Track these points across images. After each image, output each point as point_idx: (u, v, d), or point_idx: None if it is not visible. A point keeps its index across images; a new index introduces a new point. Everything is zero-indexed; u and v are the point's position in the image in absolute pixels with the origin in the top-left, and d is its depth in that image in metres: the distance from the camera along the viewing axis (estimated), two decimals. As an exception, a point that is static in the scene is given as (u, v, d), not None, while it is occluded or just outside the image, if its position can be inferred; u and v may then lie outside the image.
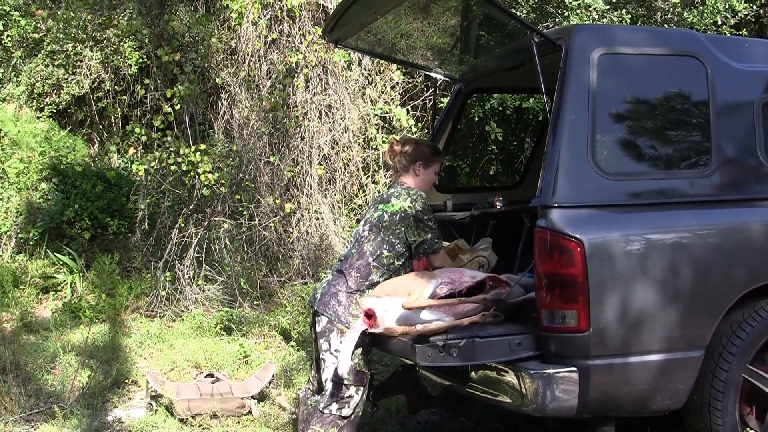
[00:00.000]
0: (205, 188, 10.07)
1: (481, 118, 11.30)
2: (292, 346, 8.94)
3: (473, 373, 5.28)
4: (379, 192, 11.37)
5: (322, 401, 5.37)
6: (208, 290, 10.31)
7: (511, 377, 4.98)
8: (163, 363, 8.50)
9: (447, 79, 7.25)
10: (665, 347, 5.04)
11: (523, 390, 4.89)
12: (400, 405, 6.93)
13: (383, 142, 11.34)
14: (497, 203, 6.58)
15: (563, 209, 4.93)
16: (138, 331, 9.71)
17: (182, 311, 10.10)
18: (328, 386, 5.37)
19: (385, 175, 11.33)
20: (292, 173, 10.63)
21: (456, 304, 5.07)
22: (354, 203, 11.40)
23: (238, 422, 7.09)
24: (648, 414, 5.24)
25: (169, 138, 10.17)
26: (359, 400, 5.38)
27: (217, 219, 10.43)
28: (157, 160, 10.15)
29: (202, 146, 9.99)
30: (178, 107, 10.08)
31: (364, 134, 11.24)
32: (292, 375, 8.07)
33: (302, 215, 10.71)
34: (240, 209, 10.67)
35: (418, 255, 5.59)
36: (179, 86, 9.93)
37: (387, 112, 11.38)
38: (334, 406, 5.33)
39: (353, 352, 5.22)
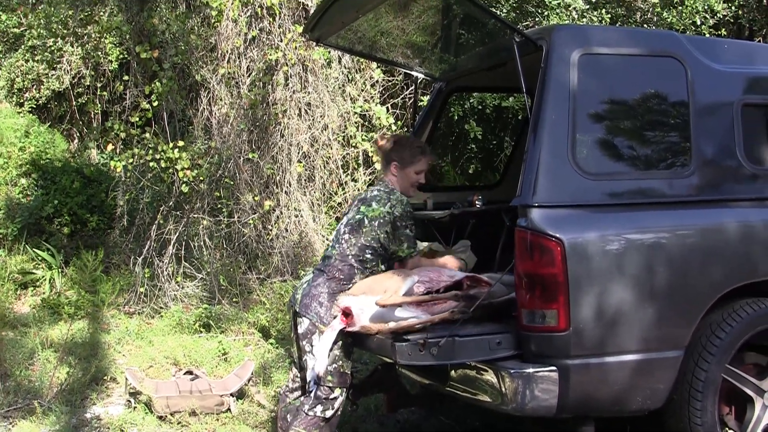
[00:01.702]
0: (183, 185, 10.03)
1: (461, 116, 11.32)
2: (271, 344, 8.91)
3: (453, 372, 5.29)
4: (359, 190, 11.39)
5: (307, 403, 5.36)
6: (187, 287, 10.27)
7: (490, 376, 5.00)
8: (141, 360, 8.47)
9: (427, 78, 7.25)
10: (644, 347, 5.06)
11: (503, 389, 4.90)
12: (379, 403, 6.94)
13: (363, 140, 11.34)
14: (476, 202, 6.59)
15: (543, 209, 4.95)
16: (117, 327, 9.66)
17: (161, 308, 10.06)
18: (312, 388, 5.35)
19: (365, 173, 11.34)
20: (272, 171, 10.61)
21: (429, 301, 5.08)
22: (333, 201, 11.40)
23: (217, 420, 7.08)
24: (627, 414, 5.26)
25: (147, 134, 10.14)
26: (342, 401, 5.41)
27: (196, 216, 10.39)
28: (135, 157, 10.09)
29: (181, 143, 9.96)
30: (156, 104, 10.03)
31: (344, 132, 11.22)
32: (271, 372, 8.06)
33: (281, 213, 10.68)
34: (219, 206, 10.65)
35: (391, 260, 5.63)
36: (158, 83, 9.88)
37: (367, 110, 11.37)
38: (319, 408, 5.33)
39: (331, 351, 5.23)
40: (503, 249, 6.25)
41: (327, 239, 11.12)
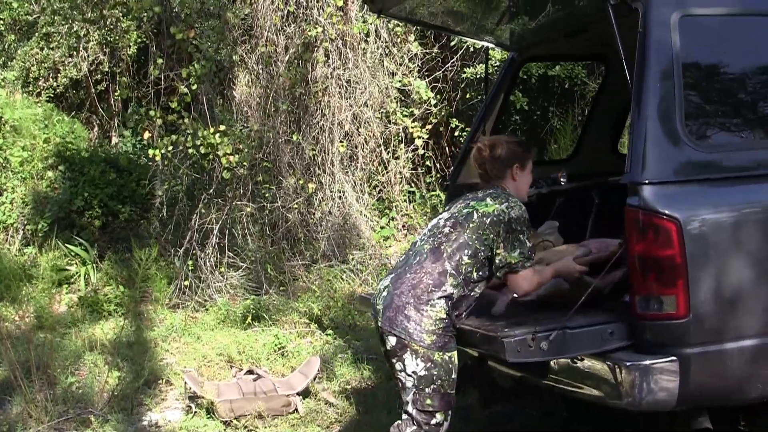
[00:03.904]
0: (225, 171, 9.56)
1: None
2: (329, 335, 8.50)
3: (554, 364, 4.86)
4: (402, 167, 11.04)
5: (408, 427, 4.71)
6: (232, 277, 9.83)
7: (601, 369, 4.56)
8: (193, 358, 8.05)
9: (498, 48, 6.83)
10: (764, 331, 4.63)
11: (618, 383, 4.48)
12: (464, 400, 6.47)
13: (403, 116, 10.93)
14: (561, 179, 6.14)
15: (655, 185, 4.51)
16: (161, 323, 9.24)
17: (205, 300, 9.63)
18: (411, 411, 4.68)
19: (406, 150, 10.93)
20: (314, 152, 10.17)
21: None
22: (376, 180, 10.99)
23: (285, 422, 6.67)
24: (746, 402, 4.92)
25: (186, 120, 9.64)
26: (448, 425, 4.73)
27: (239, 203, 9.93)
28: (174, 144, 9.58)
29: (222, 127, 9.48)
30: (195, 87, 9.54)
31: (384, 109, 10.80)
32: (334, 366, 7.66)
33: (324, 195, 10.26)
34: (262, 191, 10.20)
35: (497, 271, 4.80)
36: (195, 65, 9.39)
37: (406, 85, 10.94)
38: None
39: (430, 370, 4.63)
40: (593, 228, 5.85)
41: (371, 221, 10.73)
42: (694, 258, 4.45)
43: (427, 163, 11.77)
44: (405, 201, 11.50)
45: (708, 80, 4.92)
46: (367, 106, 10.48)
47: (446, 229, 4.81)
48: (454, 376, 4.69)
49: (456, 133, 12.18)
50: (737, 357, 4.63)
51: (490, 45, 6.73)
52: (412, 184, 11.66)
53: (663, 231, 4.45)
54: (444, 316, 4.62)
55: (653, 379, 4.45)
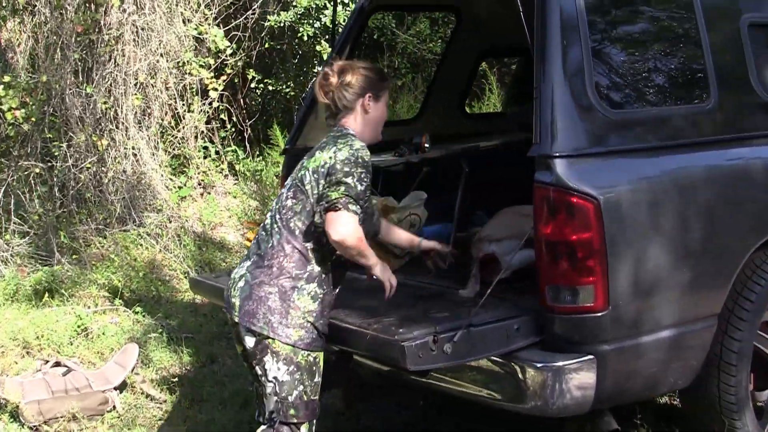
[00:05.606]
0: (9, 127, 8.38)
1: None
2: (137, 312, 7.58)
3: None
4: (197, 122, 10.19)
5: None
6: (18, 246, 8.69)
7: (502, 369, 4.02)
8: (-22, 343, 6.98)
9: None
10: (680, 320, 4.28)
11: (524, 386, 3.94)
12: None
13: (200, 67, 10.03)
14: (425, 145, 5.53)
15: (567, 159, 4.00)
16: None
17: (-14, 273, 8.46)
18: (274, 423, 4.03)
19: (202, 103, 10.02)
20: (106, 105, 9.12)
21: None
22: (171, 135, 10.06)
23: (103, 422, 5.79)
24: (659, 395, 4.79)
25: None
26: None
27: (26, 162, 8.76)
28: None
29: (6, 78, 8.29)
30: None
31: (180, 59, 9.87)
32: (149, 351, 6.79)
33: (118, 152, 9.25)
34: (51, 149, 9.08)
35: (317, 215, 3.99)
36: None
37: (202, 33, 10.04)
38: None
39: (295, 374, 3.99)
40: (462, 201, 5.27)
41: (167, 179, 9.83)
42: (613, 241, 3.99)
43: (222, 116, 10.93)
44: (201, 157, 10.64)
45: (619, 37, 4.51)
46: (162, 56, 9.50)
47: (289, 202, 4.09)
48: (317, 379, 4.08)
49: (253, 85, 11.44)
50: (653, 350, 4.24)
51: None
52: (207, 140, 10.80)
53: (579, 211, 3.96)
54: (313, 307, 3.99)
55: (567, 381, 3.93)
